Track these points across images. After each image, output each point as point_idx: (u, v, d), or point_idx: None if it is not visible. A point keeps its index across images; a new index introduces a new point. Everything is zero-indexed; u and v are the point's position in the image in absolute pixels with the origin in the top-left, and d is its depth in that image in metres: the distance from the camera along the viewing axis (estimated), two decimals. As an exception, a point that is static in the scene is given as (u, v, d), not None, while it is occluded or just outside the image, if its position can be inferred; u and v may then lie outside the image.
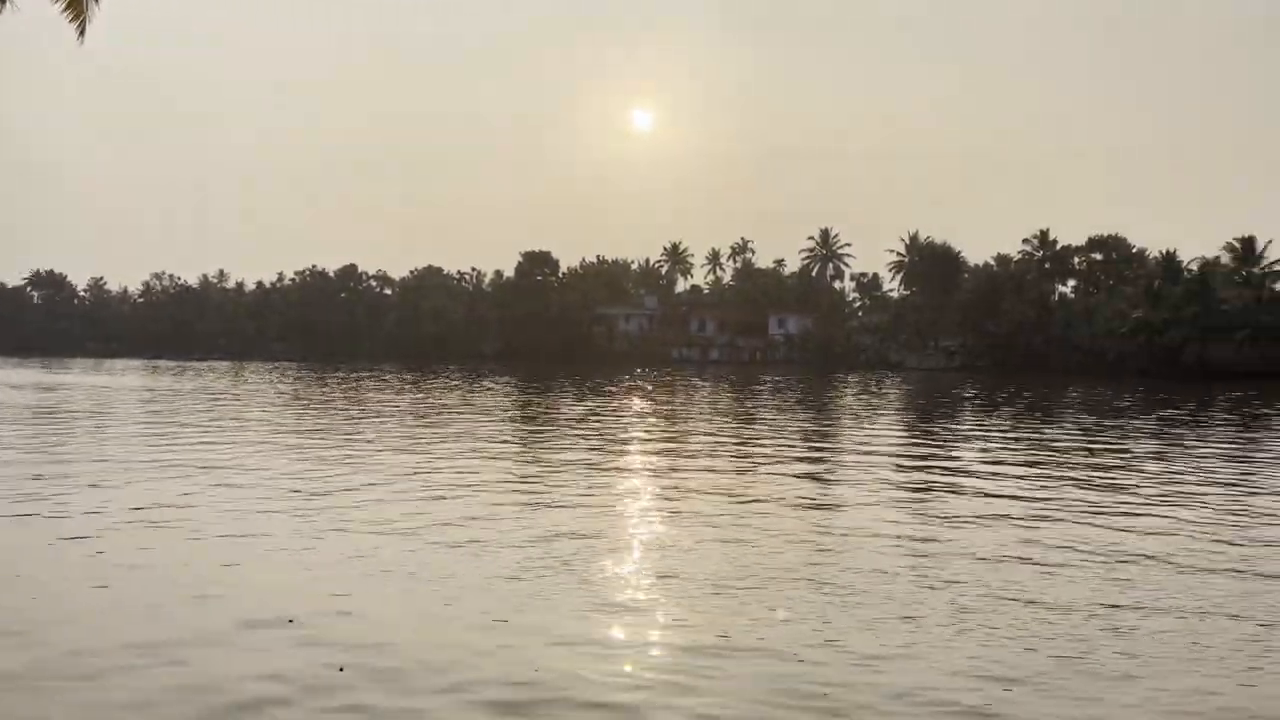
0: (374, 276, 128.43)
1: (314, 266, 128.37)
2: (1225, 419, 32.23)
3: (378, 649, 7.06)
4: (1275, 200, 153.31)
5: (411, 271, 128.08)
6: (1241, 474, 17.78)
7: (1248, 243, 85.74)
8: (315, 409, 32.41)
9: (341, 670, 6.63)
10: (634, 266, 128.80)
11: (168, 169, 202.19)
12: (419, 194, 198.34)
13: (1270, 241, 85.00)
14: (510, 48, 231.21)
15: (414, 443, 21.42)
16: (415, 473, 16.26)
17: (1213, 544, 11.12)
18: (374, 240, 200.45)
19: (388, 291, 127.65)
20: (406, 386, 47.62)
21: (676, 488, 15.20)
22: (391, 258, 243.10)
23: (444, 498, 13.68)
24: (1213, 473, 17.78)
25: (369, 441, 21.62)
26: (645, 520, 12.55)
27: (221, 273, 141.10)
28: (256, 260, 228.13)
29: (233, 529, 11.26)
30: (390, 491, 14.18)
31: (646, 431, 25.97)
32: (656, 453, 20.86)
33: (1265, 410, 37.06)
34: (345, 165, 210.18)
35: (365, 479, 15.39)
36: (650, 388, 50.96)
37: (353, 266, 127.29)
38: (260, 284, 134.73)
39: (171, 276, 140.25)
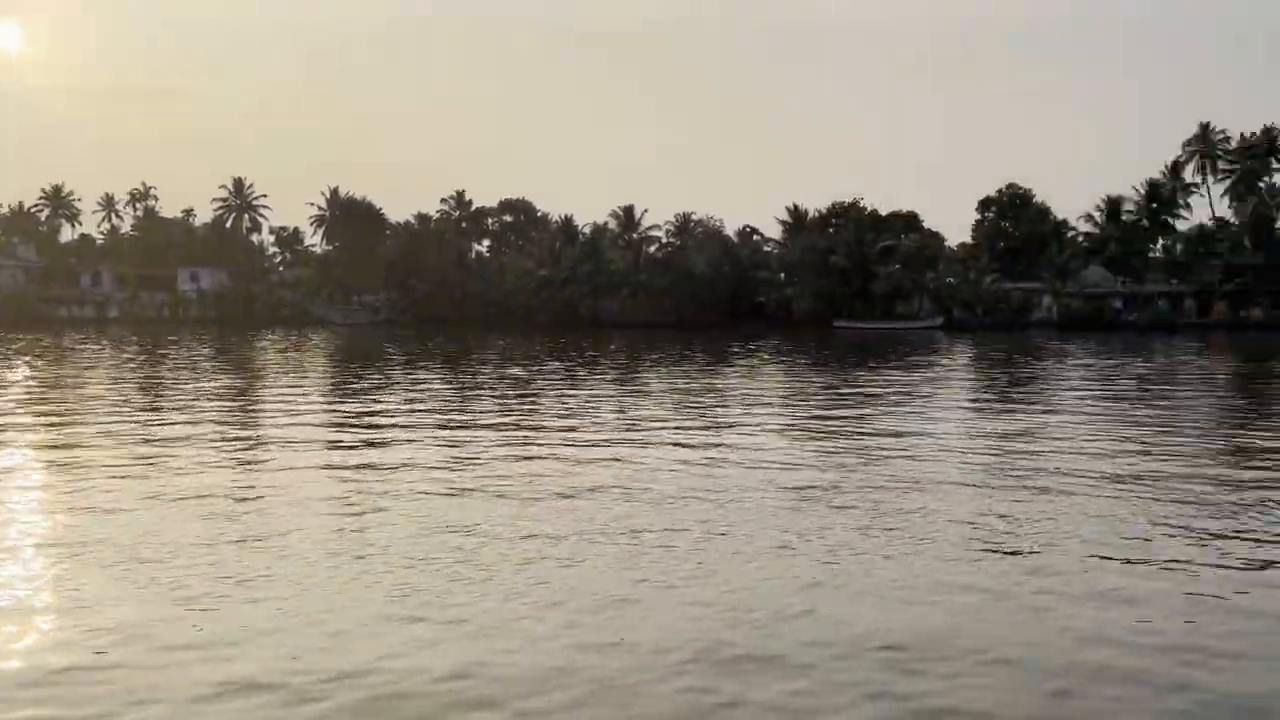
0: None
1: None
2: (604, 363, 36.80)
3: None
4: (649, 171, 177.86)
5: None
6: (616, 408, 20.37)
7: (629, 210, 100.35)
8: None
9: None
10: (2, 210, 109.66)
11: None
12: None
13: (646, 210, 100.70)
14: None
15: None
16: None
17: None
18: None
19: None
20: None
21: (66, 465, 13.10)
22: None
23: None
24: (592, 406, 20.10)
25: None
26: (33, 501, 10.56)
27: None
28: None
29: None
30: None
31: (24, 407, 22.04)
32: (36, 436, 17.80)
33: (644, 357, 43.08)
34: None
35: None
36: (28, 352, 43.53)
37: None
38: None
39: None
